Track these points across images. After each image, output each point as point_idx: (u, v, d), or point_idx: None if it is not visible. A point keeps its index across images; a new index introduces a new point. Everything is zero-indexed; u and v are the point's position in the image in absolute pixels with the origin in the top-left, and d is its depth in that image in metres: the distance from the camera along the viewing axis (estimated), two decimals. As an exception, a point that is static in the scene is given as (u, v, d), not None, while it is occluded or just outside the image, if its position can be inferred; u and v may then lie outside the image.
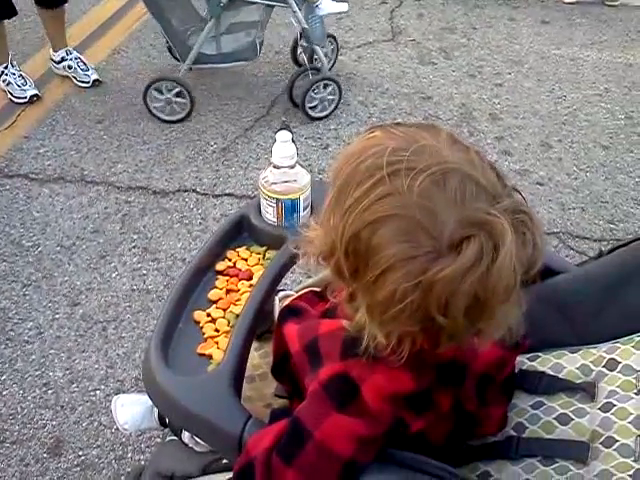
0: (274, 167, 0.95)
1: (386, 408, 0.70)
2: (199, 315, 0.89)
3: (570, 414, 0.82)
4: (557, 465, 0.77)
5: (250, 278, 0.94)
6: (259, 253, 0.98)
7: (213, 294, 0.92)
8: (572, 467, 0.76)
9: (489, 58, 2.98)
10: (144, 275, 1.97)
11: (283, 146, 0.93)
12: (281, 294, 1.11)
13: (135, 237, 2.10)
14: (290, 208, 0.96)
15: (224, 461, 0.84)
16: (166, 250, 2.04)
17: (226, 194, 2.25)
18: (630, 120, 2.59)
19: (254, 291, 0.89)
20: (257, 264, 0.96)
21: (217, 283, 0.93)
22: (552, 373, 0.87)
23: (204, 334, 0.87)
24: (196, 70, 2.57)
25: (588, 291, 0.91)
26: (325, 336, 0.77)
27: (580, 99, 2.71)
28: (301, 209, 0.98)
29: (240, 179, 2.31)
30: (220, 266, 0.96)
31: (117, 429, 1.52)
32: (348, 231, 0.61)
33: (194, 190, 2.27)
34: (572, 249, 2.04)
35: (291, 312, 0.90)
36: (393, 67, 2.90)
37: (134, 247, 2.06)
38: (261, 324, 0.98)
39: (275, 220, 0.98)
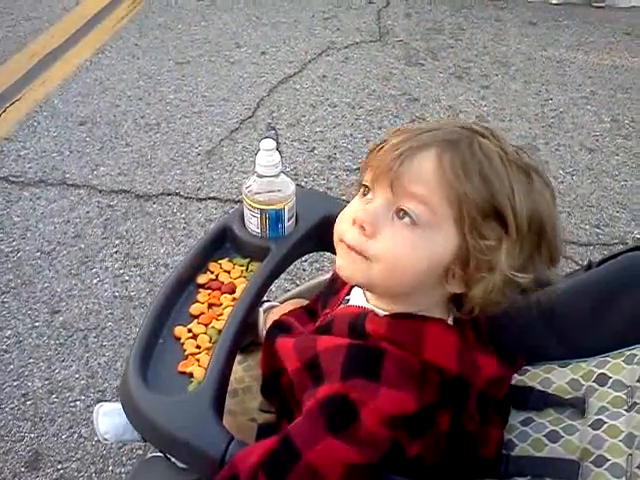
0: (258, 176, 0.93)
1: (384, 432, 0.67)
2: (180, 331, 0.86)
3: (560, 431, 0.80)
4: (547, 484, 0.75)
5: (233, 291, 0.91)
6: (242, 265, 0.95)
7: (195, 308, 0.89)
8: (562, 487, 0.74)
9: (476, 59, 2.97)
10: (126, 281, 1.93)
11: (267, 155, 0.90)
12: (265, 305, 1.08)
13: (117, 242, 2.06)
14: (274, 219, 0.94)
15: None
16: (149, 255, 2.01)
17: (210, 198, 2.21)
18: (616, 123, 2.59)
19: (237, 306, 0.87)
20: (240, 277, 0.93)
21: (199, 297, 0.91)
22: (541, 388, 0.86)
23: (185, 351, 0.84)
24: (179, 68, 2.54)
25: (577, 304, 0.90)
26: (326, 353, 0.74)
27: (567, 101, 2.71)
28: (286, 219, 0.95)
29: (225, 182, 2.27)
30: (202, 279, 0.93)
31: (98, 441, 1.49)
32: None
33: (178, 194, 2.23)
34: (559, 253, 2.03)
35: (280, 328, 0.88)
36: (380, 68, 2.88)
37: (116, 252, 2.02)
38: (245, 336, 0.96)
39: (259, 231, 0.95)
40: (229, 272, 0.94)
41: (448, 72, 2.87)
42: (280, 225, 0.95)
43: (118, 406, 1.03)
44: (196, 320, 0.88)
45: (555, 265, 0.74)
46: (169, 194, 2.23)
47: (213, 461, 0.71)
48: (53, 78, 2.77)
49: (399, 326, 0.73)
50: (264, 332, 1.00)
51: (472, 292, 0.70)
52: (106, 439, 1.00)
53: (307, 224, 0.98)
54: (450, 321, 0.77)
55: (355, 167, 2.31)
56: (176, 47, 3.00)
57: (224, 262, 0.95)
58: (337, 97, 2.69)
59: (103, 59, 2.91)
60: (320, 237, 0.96)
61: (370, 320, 0.75)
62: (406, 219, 0.69)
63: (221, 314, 0.88)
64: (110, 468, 1.47)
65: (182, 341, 0.85)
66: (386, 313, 0.76)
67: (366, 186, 0.74)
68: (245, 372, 1.06)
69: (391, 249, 0.70)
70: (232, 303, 0.89)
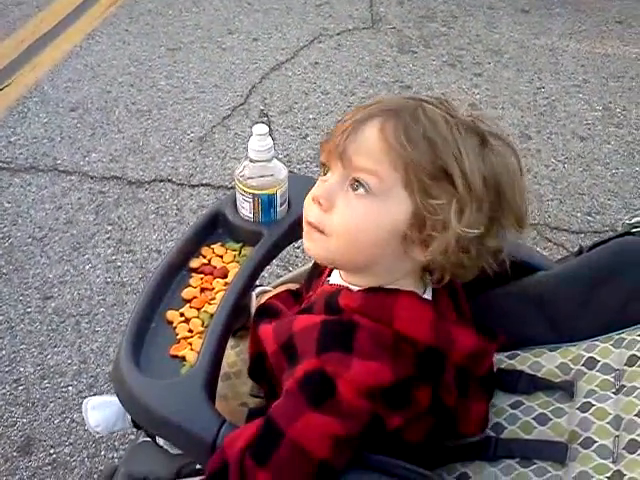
0: (250, 161, 0.93)
1: (363, 404, 0.68)
2: (172, 315, 0.86)
3: (549, 414, 0.81)
4: (535, 467, 0.76)
5: (225, 276, 0.91)
6: (235, 250, 0.95)
7: (187, 292, 0.89)
8: (550, 469, 0.75)
9: (469, 47, 2.97)
10: (119, 267, 1.93)
11: (259, 139, 0.90)
12: (258, 289, 1.08)
13: (109, 228, 2.05)
14: (267, 203, 0.94)
15: (198, 465, 0.82)
16: (141, 242, 2.00)
17: (203, 184, 2.21)
18: (608, 111, 2.60)
19: (229, 290, 0.87)
20: (232, 261, 0.93)
21: (191, 281, 0.91)
22: (531, 372, 0.87)
23: (177, 335, 0.84)
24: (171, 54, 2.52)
25: (568, 289, 0.91)
26: (300, 333, 0.75)
27: (559, 90, 2.71)
28: (278, 204, 0.95)
29: (217, 169, 2.27)
30: (194, 263, 0.93)
31: (90, 426, 1.49)
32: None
33: (170, 180, 2.22)
34: (550, 241, 2.05)
35: (266, 312, 0.88)
36: (372, 55, 2.87)
37: (108, 239, 2.02)
38: (237, 320, 0.96)
39: (251, 216, 0.96)
40: (222, 257, 0.94)
41: (441, 60, 2.87)
42: (272, 210, 0.95)
43: (106, 398, 1.04)
44: (188, 304, 0.88)
45: (523, 228, 0.76)
46: (161, 180, 2.23)
47: (205, 444, 0.71)
48: (43, 64, 2.74)
49: (371, 299, 0.74)
50: None
51: (430, 253, 0.71)
52: (97, 432, 1.00)
53: (299, 209, 0.97)
54: (427, 294, 0.78)
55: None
56: (167, 33, 2.98)
57: (217, 247, 0.95)
58: (329, 84, 2.68)
59: (93, 45, 2.89)
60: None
61: (343, 296, 0.76)
62: (359, 190, 0.71)
63: (213, 298, 0.88)
64: (102, 453, 1.48)
65: (174, 325, 0.85)
66: (359, 288, 0.77)
67: (324, 164, 0.76)
68: (237, 356, 1.06)
69: (346, 220, 0.72)
70: (224, 287, 0.89)
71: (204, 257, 0.94)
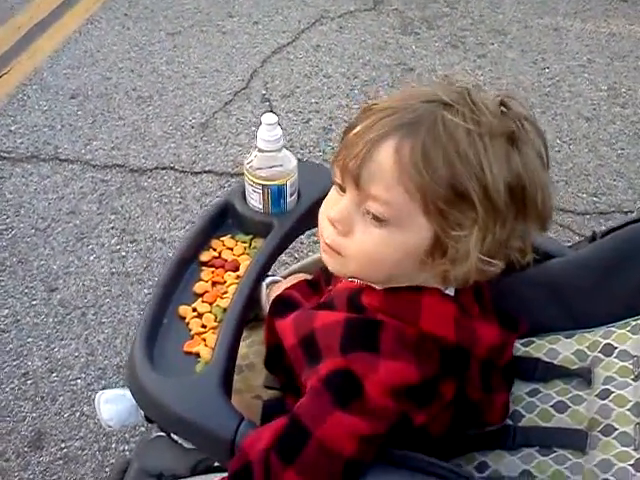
0: (259, 151, 0.91)
1: (390, 404, 0.68)
2: (185, 310, 0.85)
3: (567, 401, 0.80)
4: (555, 454, 0.76)
5: (237, 269, 0.90)
6: (245, 242, 0.94)
7: (198, 287, 0.88)
8: (571, 456, 0.75)
9: (472, 28, 2.93)
10: (123, 257, 1.91)
11: (268, 129, 0.88)
12: (268, 279, 1.07)
13: (113, 217, 2.04)
14: (277, 194, 0.92)
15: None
16: (145, 231, 1.99)
17: (206, 171, 2.19)
18: (613, 91, 2.57)
19: (241, 283, 0.86)
20: (243, 253, 0.92)
21: (202, 275, 0.89)
22: (547, 359, 0.86)
23: (190, 330, 0.83)
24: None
25: (583, 275, 0.90)
26: (323, 329, 0.74)
27: (563, 70, 2.68)
28: (288, 195, 0.94)
29: (220, 155, 2.24)
30: (205, 256, 0.92)
31: (100, 418, 1.49)
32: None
33: (172, 168, 2.20)
34: (556, 223, 2.03)
35: (284, 303, 0.87)
36: (375, 37, 2.83)
37: (112, 228, 2.00)
38: (248, 312, 0.95)
39: (261, 207, 0.94)
40: (232, 249, 0.93)
41: (444, 41, 2.83)
42: (282, 201, 0.94)
43: (119, 391, 1.03)
44: (200, 299, 0.87)
45: (546, 228, 0.73)
46: (164, 168, 2.20)
47: (224, 442, 0.70)
48: (42, 50, 2.70)
49: (394, 298, 0.73)
50: (267, 307, 0.99)
51: (455, 272, 0.69)
52: (110, 426, 0.99)
53: (309, 199, 0.96)
54: (450, 291, 0.76)
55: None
56: (167, 17, 2.94)
57: (226, 239, 0.94)
58: (332, 67, 2.65)
59: (92, 30, 2.85)
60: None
61: (366, 294, 0.75)
62: (373, 219, 0.68)
63: (225, 292, 0.87)
64: (114, 446, 1.48)
65: (187, 320, 0.84)
66: (382, 287, 0.76)
67: (339, 184, 0.73)
68: (249, 348, 1.05)
69: (364, 248, 0.70)
70: (236, 281, 0.88)
71: (214, 250, 0.93)
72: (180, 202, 2.08)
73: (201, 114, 2.42)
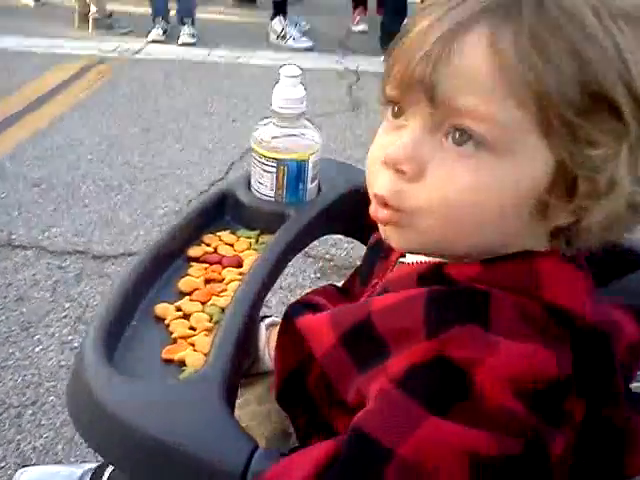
0: (276, 115, 0.68)
1: (519, 407, 0.40)
2: (164, 309, 0.58)
3: None
4: None
5: (240, 265, 0.64)
6: (250, 237, 0.69)
7: (185, 284, 0.62)
8: None
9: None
10: (75, 349, 1.60)
11: (290, 84, 0.66)
12: (268, 320, 0.82)
13: (67, 305, 1.75)
14: (295, 174, 0.68)
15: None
16: (105, 317, 1.70)
17: (179, 258, 1.95)
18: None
19: (248, 278, 0.60)
20: (248, 249, 0.67)
21: (191, 271, 0.63)
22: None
23: (172, 333, 0.56)
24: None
25: None
26: (388, 310, 0.48)
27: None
28: (309, 178, 0.70)
29: (195, 242, 2.02)
30: (194, 252, 0.66)
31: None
32: None
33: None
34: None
35: (305, 307, 0.60)
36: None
37: (65, 317, 1.71)
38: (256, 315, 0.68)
39: (272, 193, 0.70)
40: (232, 245, 0.67)
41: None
42: (301, 185, 0.70)
43: (47, 469, 0.74)
44: (187, 297, 0.60)
45: None
46: (130, 254, 1.95)
47: (230, 478, 0.41)
48: (5, 142, 2.54)
49: (498, 266, 0.48)
50: (266, 353, 0.76)
51: (585, 223, 0.46)
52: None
53: (333, 192, 0.73)
54: None
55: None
56: (141, 115, 2.85)
57: (224, 234, 0.69)
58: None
59: (62, 126, 2.72)
60: (347, 214, 0.72)
61: (452, 267, 0.50)
62: (467, 145, 0.45)
63: (224, 290, 0.61)
64: None
65: (167, 322, 0.57)
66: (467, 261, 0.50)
67: (394, 102, 0.49)
68: (241, 410, 0.78)
69: (447, 193, 0.46)
70: (239, 277, 0.62)
71: (207, 245, 0.67)
72: (148, 289, 1.81)
73: (174, 202, 2.22)
